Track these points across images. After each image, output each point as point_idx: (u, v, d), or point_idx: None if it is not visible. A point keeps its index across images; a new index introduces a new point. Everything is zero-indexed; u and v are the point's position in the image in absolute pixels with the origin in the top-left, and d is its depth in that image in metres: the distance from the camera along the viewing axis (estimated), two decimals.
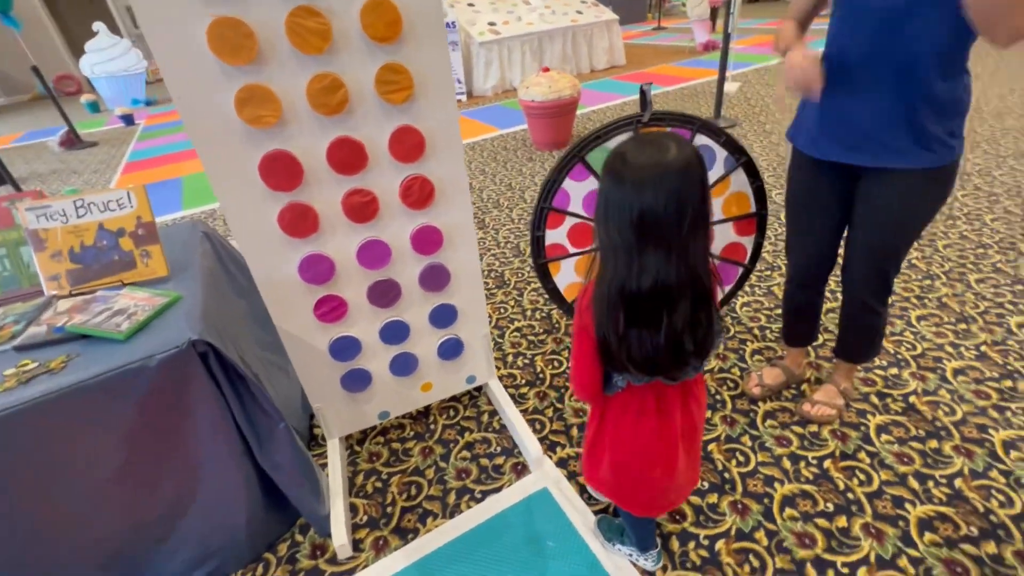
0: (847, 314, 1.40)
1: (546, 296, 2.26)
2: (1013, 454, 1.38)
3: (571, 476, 1.44)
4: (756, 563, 1.19)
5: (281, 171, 1.09)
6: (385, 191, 1.22)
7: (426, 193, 1.25)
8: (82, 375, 0.90)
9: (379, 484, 1.48)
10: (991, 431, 1.45)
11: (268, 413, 1.13)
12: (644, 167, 0.69)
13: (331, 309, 1.29)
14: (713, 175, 1.48)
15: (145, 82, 8.28)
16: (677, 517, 1.31)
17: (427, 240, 1.31)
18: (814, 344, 1.76)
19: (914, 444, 1.43)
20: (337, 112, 1.08)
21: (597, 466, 1.03)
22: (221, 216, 3.54)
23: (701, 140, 1.43)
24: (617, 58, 7.18)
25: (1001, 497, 1.28)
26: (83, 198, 1.14)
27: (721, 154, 1.45)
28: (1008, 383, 1.59)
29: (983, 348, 1.74)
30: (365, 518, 1.38)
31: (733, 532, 1.26)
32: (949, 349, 1.75)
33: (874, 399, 1.59)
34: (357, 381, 1.44)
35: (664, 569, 1.19)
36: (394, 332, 1.41)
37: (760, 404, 1.61)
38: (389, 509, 1.40)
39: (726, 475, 1.40)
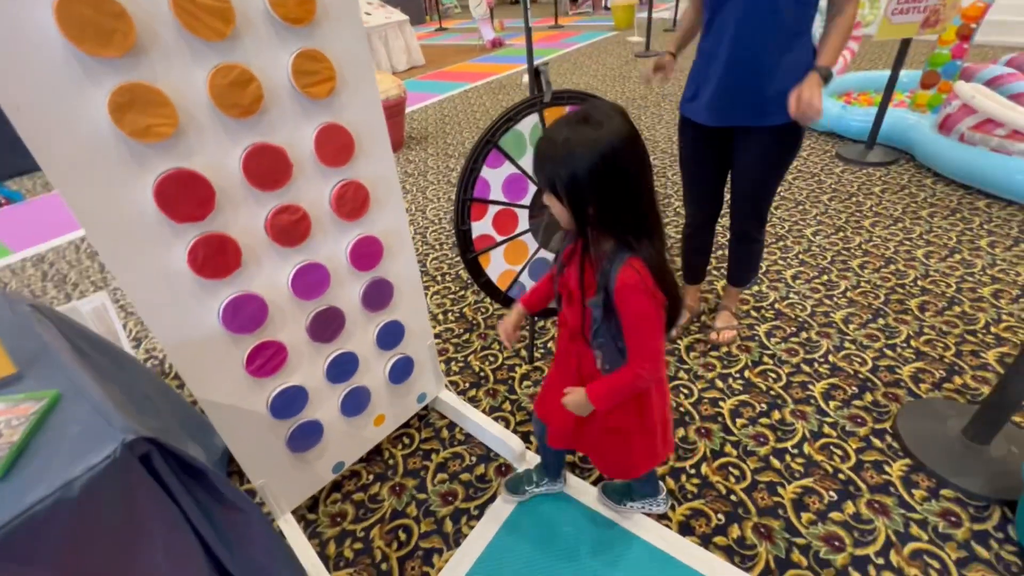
0: (735, 246, 1.67)
1: (451, 297, 2.18)
2: (851, 326, 1.82)
3: None
4: (737, 472, 1.36)
5: (186, 196, 0.83)
6: (315, 204, 1.03)
7: (361, 199, 1.09)
8: None
9: (359, 545, 1.27)
10: (832, 314, 1.89)
11: (236, 506, 0.87)
12: (619, 127, 0.71)
13: (268, 359, 1.05)
14: None
15: None
16: None
17: (366, 253, 1.15)
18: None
19: (793, 340, 1.79)
20: (250, 113, 0.87)
21: (655, 433, 1.00)
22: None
23: None
24: (416, 58, 7.17)
25: (859, 359, 1.68)
26: None
27: None
28: (826, 277, 2.09)
29: (800, 256, 2.25)
30: None
31: (709, 454, 1.41)
32: (781, 262, 2.22)
33: (753, 313, 1.93)
34: (307, 437, 1.21)
35: (672, 507, 1.28)
36: (342, 368, 1.21)
37: (679, 341, 1.82)
38: (384, 567, 1.22)
39: (681, 409, 1.56)
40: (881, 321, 1.83)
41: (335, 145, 1.01)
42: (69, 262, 2.87)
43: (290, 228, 0.99)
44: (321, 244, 1.07)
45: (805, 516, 1.23)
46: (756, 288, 2.06)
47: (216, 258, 0.90)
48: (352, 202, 1.08)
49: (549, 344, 1.88)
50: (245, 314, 0.98)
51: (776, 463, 1.37)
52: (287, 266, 1.03)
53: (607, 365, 0.90)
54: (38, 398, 0.76)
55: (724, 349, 1.77)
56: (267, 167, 0.92)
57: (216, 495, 0.84)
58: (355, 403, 1.28)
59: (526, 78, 5.89)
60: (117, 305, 2.34)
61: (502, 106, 4.99)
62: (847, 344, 1.74)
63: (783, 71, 1.26)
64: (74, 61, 0.69)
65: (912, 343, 1.72)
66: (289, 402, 1.13)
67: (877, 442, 1.40)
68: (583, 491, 1.33)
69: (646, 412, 0.97)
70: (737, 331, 1.81)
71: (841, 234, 2.38)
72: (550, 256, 1.62)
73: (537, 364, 1.79)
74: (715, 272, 2.19)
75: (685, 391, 1.62)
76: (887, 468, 1.33)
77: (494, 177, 1.45)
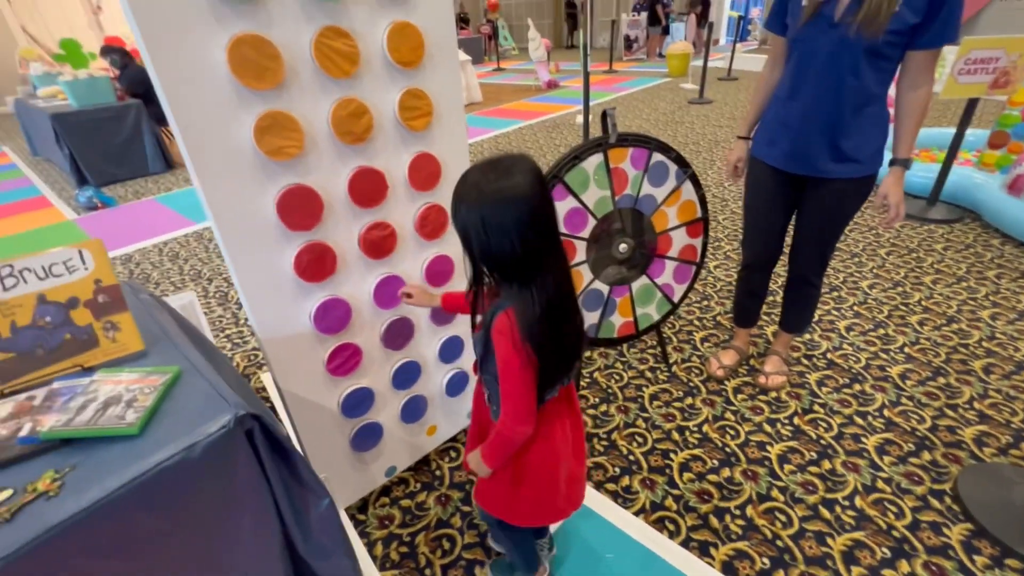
0: (791, 290, 1.69)
1: None
2: (909, 382, 1.77)
3: (598, 486, 1.46)
4: (783, 518, 1.34)
5: (301, 208, 0.96)
6: (402, 223, 1.14)
7: (441, 222, 1.20)
8: (104, 488, 0.67)
9: (405, 549, 1.32)
10: (888, 368, 1.85)
11: (312, 488, 0.95)
12: (515, 184, 0.71)
13: (346, 359, 1.15)
14: (667, 187, 1.68)
15: None
16: (705, 496, 1.41)
17: (440, 271, 1.25)
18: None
19: (846, 390, 1.76)
20: (361, 140, 0.99)
21: (517, 497, 0.95)
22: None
23: (657, 157, 1.61)
24: (475, 95, 7.55)
25: (916, 416, 1.63)
26: (12, 263, 0.85)
27: (672, 168, 1.66)
28: (882, 331, 2.05)
29: (855, 308, 2.21)
30: None
31: (755, 497, 1.40)
32: (835, 312, 2.19)
33: (804, 360, 1.91)
34: (368, 438, 1.29)
35: (715, 546, 1.28)
36: (406, 375, 1.30)
37: (727, 382, 1.82)
38: (428, 572, 1.26)
39: (727, 449, 1.55)
40: (941, 380, 1.77)
41: (425, 172, 1.12)
42: (152, 263, 3.14)
43: (379, 242, 1.10)
44: (402, 259, 1.18)
45: (856, 570, 1.20)
46: (807, 336, 2.04)
47: (316, 263, 1.02)
48: (433, 223, 1.18)
49: (595, 374, 1.91)
50: (333, 316, 1.09)
51: (825, 513, 1.34)
52: (372, 276, 1.14)
53: (492, 405, 0.92)
54: (163, 372, 0.87)
55: (772, 394, 1.76)
56: (368, 187, 1.04)
57: (298, 477, 0.93)
58: (413, 410, 1.36)
59: (580, 118, 6.09)
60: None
61: (555, 144, 5.18)
62: (904, 400, 1.70)
63: (859, 126, 1.31)
64: (234, 91, 0.83)
65: (975, 405, 1.66)
66: (358, 402, 1.22)
67: (935, 503, 1.35)
68: (626, 520, 1.35)
69: (519, 472, 0.92)
70: (787, 377, 1.80)
71: (899, 289, 2.33)
72: (604, 287, 1.69)
73: (583, 392, 1.82)
74: (764, 316, 2.18)
75: (731, 432, 1.62)
76: (946, 530, 1.28)
77: (557, 210, 1.54)
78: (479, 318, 0.87)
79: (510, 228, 0.71)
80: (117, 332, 0.93)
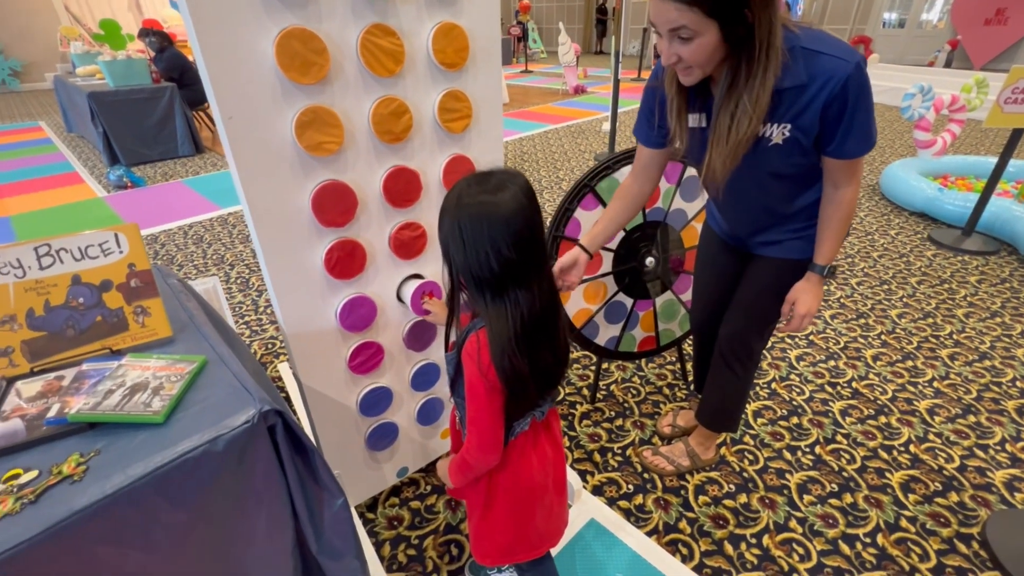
0: (719, 363, 1.38)
1: None
2: (937, 419, 1.71)
3: (611, 502, 1.44)
4: (801, 551, 1.30)
5: (335, 204, 0.95)
6: (433, 224, 1.12)
7: None
8: (127, 475, 0.67)
9: (412, 552, 1.31)
10: (916, 402, 1.79)
11: (327, 487, 0.94)
12: (501, 201, 0.69)
13: (368, 358, 1.14)
14: (699, 203, 1.65)
15: None
16: (720, 522, 1.38)
17: None
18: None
19: (870, 422, 1.71)
20: (400, 140, 0.98)
21: (494, 533, 0.92)
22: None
23: (691, 172, 1.59)
24: (502, 96, 7.54)
25: (944, 454, 1.57)
26: (49, 243, 0.86)
27: None
28: (911, 363, 1.99)
29: (883, 337, 2.15)
30: None
31: (772, 526, 1.36)
32: (861, 340, 2.13)
33: (828, 388, 1.86)
34: (383, 437, 1.28)
35: (729, 574, 1.24)
36: (425, 377, 1.29)
37: (750, 403, 1.78)
38: None
39: (744, 475, 1.52)
40: (972, 418, 1.71)
41: (460, 174, 1.11)
42: (177, 245, 3.18)
43: (409, 243, 1.09)
44: (430, 260, 1.17)
45: None
46: (832, 363, 1.99)
47: (346, 260, 1.01)
48: None
49: (612, 387, 1.89)
50: (358, 314, 1.08)
51: (846, 549, 1.30)
52: (398, 276, 1.13)
53: (463, 428, 0.89)
54: (190, 361, 0.87)
55: (794, 420, 1.72)
56: (402, 187, 1.03)
57: (315, 475, 0.92)
58: (430, 412, 1.35)
59: (606, 126, 6.05)
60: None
61: (580, 149, 5.15)
62: (931, 436, 1.64)
63: (792, 220, 1.14)
64: (278, 84, 0.83)
65: (1008, 448, 1.60)
66: (376, 401, 1.21)
67: (962, 547, 1.30)
68: (637, 540, 1.32)
69: (490, 503, 0.89)
70: (676, 469, 1.51)
71: (930, 320, 2.26)
72: (628, 300, 1.66)
73: (598, 405, 1.80)
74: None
75: (750, 456, 1.58)
76: None
77: (586, 219, 1.52)
78: (453, 337, 0.85)
79: (486, 243, 0.69)
80: (147, 317, 0.93)
